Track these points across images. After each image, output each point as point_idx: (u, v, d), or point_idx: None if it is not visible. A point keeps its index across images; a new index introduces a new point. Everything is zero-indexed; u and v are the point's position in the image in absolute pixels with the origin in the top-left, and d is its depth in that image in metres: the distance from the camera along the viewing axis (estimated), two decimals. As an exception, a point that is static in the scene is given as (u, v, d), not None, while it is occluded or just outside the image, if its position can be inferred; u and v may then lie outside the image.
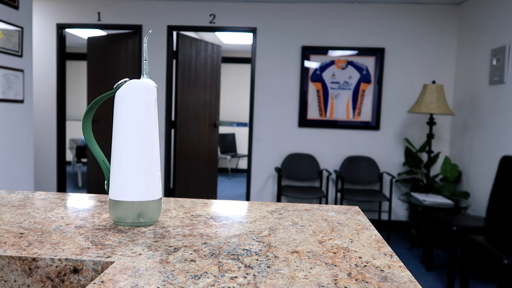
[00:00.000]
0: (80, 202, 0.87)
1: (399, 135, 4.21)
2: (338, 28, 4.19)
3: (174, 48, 4.41)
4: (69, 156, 7.95)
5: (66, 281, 0.54)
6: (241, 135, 7.95)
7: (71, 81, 8.35)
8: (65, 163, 4.71)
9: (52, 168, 4.62)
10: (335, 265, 0.55)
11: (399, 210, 4.28)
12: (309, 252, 0.60)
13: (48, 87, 4.55)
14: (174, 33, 4.55)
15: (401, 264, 0.56)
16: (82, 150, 6.20)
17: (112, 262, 0.53)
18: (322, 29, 4.20)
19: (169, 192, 4.51)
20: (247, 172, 4.82)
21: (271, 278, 0.49)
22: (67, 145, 7.86)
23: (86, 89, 7.36)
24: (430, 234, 3.07)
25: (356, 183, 4.19)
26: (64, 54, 4.57)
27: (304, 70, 4.21)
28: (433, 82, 3.55)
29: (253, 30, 4.25)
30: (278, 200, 3.99)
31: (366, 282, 0.49)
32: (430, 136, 3.62)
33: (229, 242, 0.63)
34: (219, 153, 7.41)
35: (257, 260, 0.55)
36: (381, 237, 0.69)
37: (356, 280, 0.50)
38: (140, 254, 0.56)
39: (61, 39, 4.51)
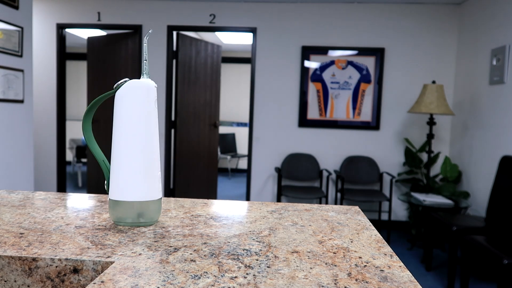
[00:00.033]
0: (80, 202, 0.87)
1: (399, 135, 4.21)
2: (338, 28, 4.19)
3: (174, 48, 4.41)
4: (69, 156, 7.95)
5: (66, 281, 0.54)
6: (241, 135, 7.95)
7: (71, 81, 8.35)
8: (65, 163, 4.71)
9: (52, 168, 4.62)
10: (335, 265, 0.55)
11: (399, 210, 4.28)
12: (309, 252, 0.60)
13: (48, 87, 4.55)
14: (174, 33, 4.55)
15: (401, 264, 0.56)
16: (82, 150, 6.20)
17: (112, 262, 0.53)
18: (322, 29, 4.20)
19: (169, 192, 4.51)
20: (247, 172, 4.82)
21: (271, 278, 0.49)
22: (67, 145, 7.86)
23: (86, 89, 7.36)
24: (430, 234, 3.07)
25: (356, 183, 4.19)
26: (64, 54, 4.57)
27: (304, 70, 4.21)
28: (433, 82, 3.55)
29: (253, 30, 4.25)
30: (278, 200, 3.99)
31: (366, 282, 0.49)
32: (430, 136, 3.62)
33: (229, 242, 0.63)
34: (219, 153, 7.41)
35: (257, 260, 0.55)
36: (381, 237, 0.69)
37: (356, 280, 0.50)
38: (140, 254, 0.56)
39: (61, 39, 4.51)
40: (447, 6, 4.09)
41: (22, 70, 3.11)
